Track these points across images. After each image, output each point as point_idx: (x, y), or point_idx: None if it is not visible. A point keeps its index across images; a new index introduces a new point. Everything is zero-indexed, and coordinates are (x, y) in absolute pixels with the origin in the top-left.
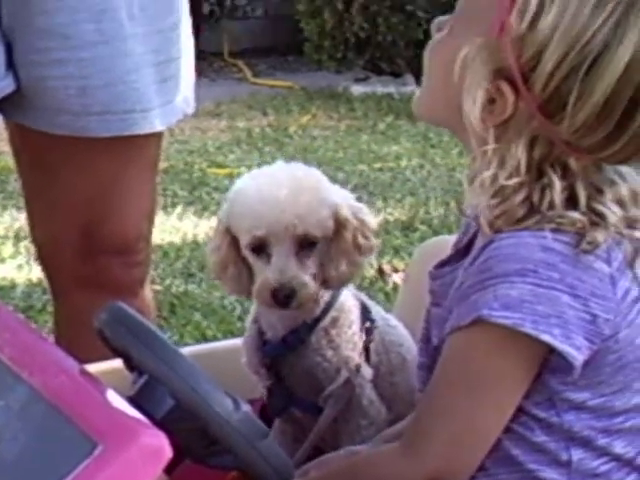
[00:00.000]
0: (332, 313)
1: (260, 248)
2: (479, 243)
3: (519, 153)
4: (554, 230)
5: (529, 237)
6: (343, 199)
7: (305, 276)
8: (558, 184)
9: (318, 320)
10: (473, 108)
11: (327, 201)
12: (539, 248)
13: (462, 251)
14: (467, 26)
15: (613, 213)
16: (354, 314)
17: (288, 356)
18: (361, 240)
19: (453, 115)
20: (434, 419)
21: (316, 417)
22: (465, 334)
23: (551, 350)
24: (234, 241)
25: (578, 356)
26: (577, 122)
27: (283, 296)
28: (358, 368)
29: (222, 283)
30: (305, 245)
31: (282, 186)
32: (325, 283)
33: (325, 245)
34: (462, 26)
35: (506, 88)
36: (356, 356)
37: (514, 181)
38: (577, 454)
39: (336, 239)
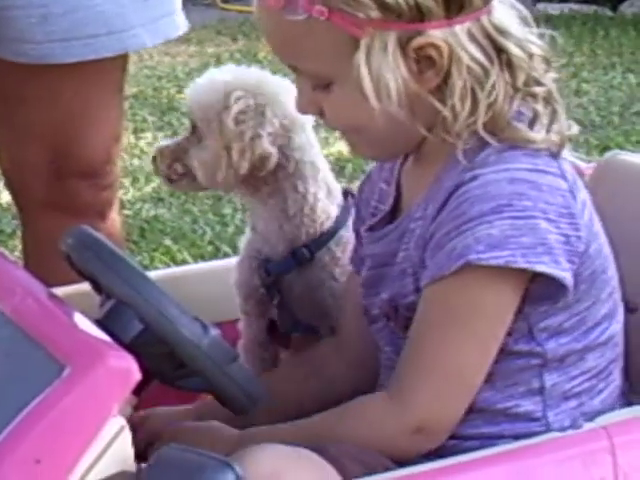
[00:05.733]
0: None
1: None
2: (437, 194)
3: (472, 53)
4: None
5: (491, 174)
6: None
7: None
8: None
9: (328, 236)
10: (400, 89)
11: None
12: (506, 181)
13: (388, 216)
14: (328, 68)
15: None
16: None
17: (292, 274)
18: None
19: (407, 136)
20: (420, 370)
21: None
22: (451, 281)
23: (531, 279)
24: None
25: (570, 278)
26: None
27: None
28: None
29: None
30: None
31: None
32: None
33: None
34: (325, 74)
35: (422, 40)
36: None
37: (489, 83)
38: (551, 379)
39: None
